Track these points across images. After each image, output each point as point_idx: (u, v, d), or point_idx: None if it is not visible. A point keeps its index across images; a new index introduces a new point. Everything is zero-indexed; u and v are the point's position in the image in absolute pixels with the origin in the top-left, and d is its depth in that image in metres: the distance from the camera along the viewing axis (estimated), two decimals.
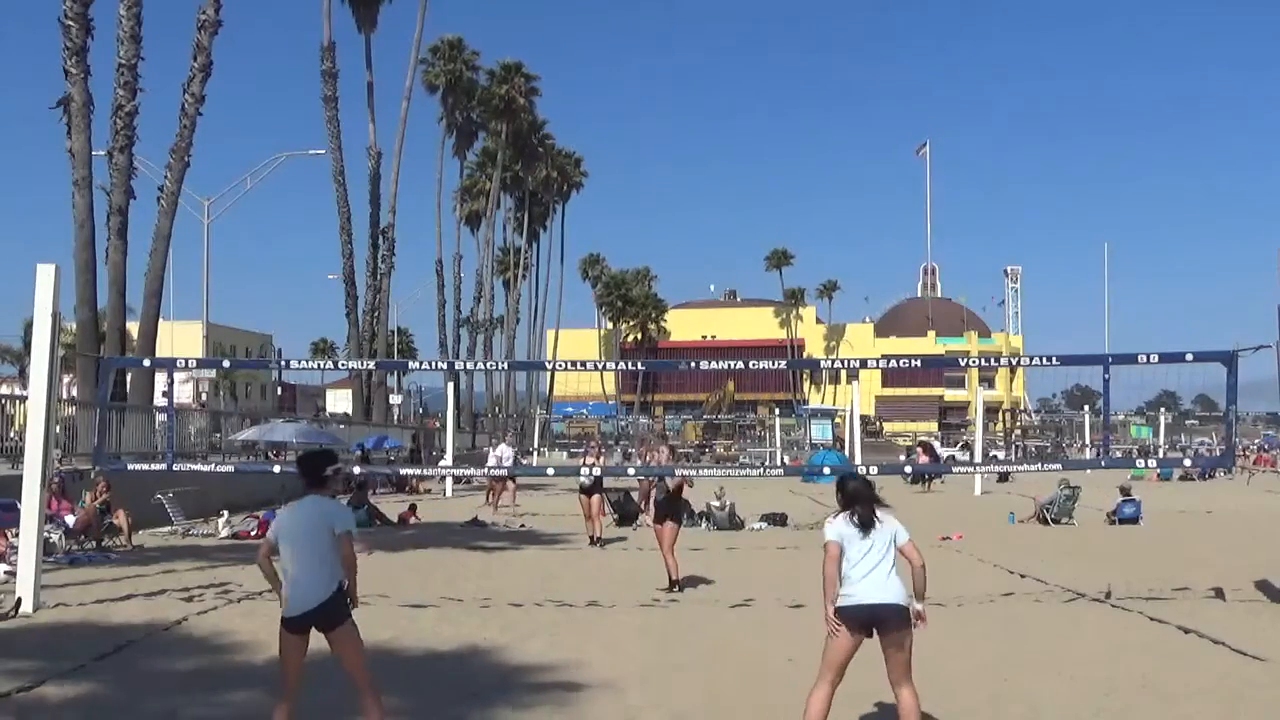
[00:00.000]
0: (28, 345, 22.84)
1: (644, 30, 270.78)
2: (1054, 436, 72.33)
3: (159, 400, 27.79)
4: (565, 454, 61.89)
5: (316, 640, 6.10)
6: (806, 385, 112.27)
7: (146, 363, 24.22)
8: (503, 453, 27.79)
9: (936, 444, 56.12)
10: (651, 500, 13.70)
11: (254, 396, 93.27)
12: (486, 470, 27.32)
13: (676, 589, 13.09)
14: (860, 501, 6.33)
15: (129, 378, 26.82)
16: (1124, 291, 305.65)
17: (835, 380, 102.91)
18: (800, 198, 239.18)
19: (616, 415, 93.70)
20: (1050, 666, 8.98)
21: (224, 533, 20.04)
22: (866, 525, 6.25)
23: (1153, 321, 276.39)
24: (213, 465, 20.56)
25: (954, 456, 53.36)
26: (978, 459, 36.53)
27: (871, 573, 6.16)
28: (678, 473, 13.69)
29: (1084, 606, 12.17)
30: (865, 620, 6.16)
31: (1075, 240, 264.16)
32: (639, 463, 23.40)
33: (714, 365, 16.10)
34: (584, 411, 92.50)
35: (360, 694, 6.09)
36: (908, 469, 26.55)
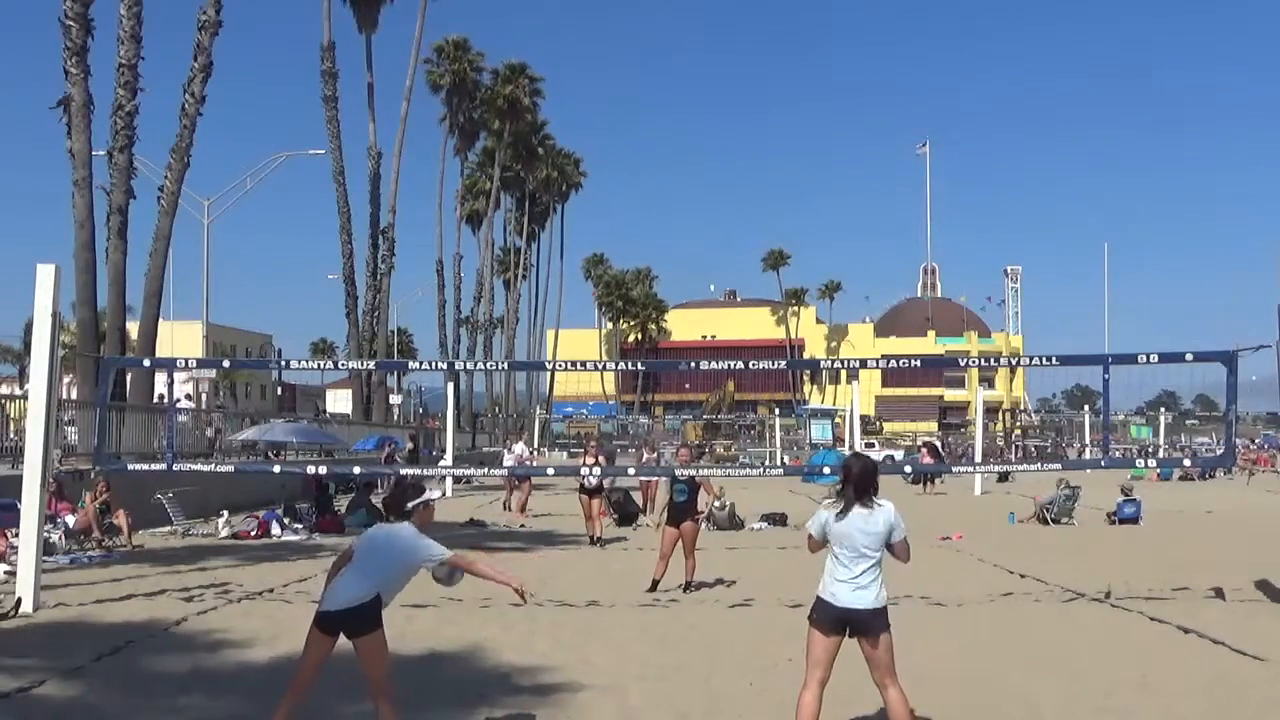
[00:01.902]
0: (28, 345, 22.83)
1: (644, 30, 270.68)
2: (1054, 437, 72.26)
3: (168, 401, 27.78)
4: (565, 454, 61.87)
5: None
6: (807, 386, 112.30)
7: (146, 363, 24.21)
8: (519, 451, 27.77)
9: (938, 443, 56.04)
10: (670, 502, 13.48)
11: (254, 396, 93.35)
12: (486, 471, 27.27)
13: (689, 589, 13.09)
14: (852, 479, 6.22)
15: (129, 378, 26.83)
16: (1124, 291, 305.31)
17: (835, 380, 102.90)
18: (800, 197, 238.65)
19: (616, 415, 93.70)
20: (1050, 666, 8.98)
21: (224, 533, 20.04)
22: (850, 509, 6.13)
23: (1153, 321, 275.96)
24: (213, 465, 20.55)
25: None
26: (978, 459, 36.55)
27: (855, 577, 6.11)
28: (680, 473, 13.61)
29: (1084, 606, 12.17)
30: (837, 620, 6.14)
31: (1075, 240, 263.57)
32: (644, 462, 23.52)
33: (714, 365, 16.08)
34: (584, 411, 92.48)
35: (376, 707, 6.07)
36: (907, 469, 26.55)
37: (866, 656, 6.21)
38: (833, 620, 6.14)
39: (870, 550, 6.14)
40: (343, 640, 6.06)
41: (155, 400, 28.46)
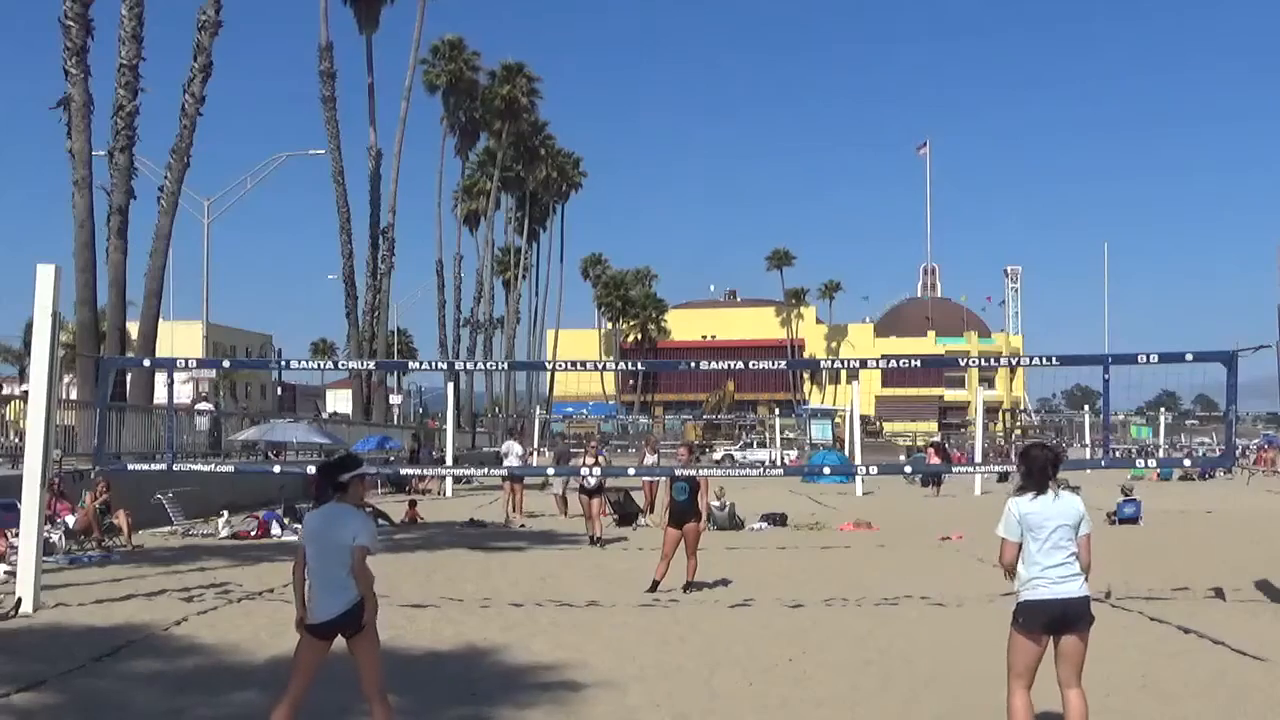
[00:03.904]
0: (28, 345, 22.82)
1: (643, 30, 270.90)
2: (1054, 437, 72.30)
3: (160, 399, 27.85)
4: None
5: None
6: (807, 386, 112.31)
7: (146, 363, 24.21)
8: (509, 449, 27.60)
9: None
10: (671, 502, 13.41)
11: (254, 396, 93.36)
12: (486, 471, 27.15)
13: (689, 590, 13.09)
14: (1036, 467, 6.11)
15: (129, 378, 26.82)
16: (1124, 291, 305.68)
17: (835, 380, 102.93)
18: (801, 198, 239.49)
19: (616, 415, 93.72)
20: (1051, 666, 8.95)
21: (224, 533, 20.03)
22: (1040, 496, 6.02)
23: (1153, 321, 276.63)
24: (213, 465, 20.55)
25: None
26: (978, 459, 36.53)
27: (1055, 567, 5.96)
28: (680, 471, 13.59)
29: None
30: (1056, 617, 5.96)
31: (1075, 240, 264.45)
32: (646, 461, 23.49)
33: (714, 365, 16.07)
34: (584, 411, 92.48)
35: (370, 703, 6.04)
36: (908, 469, 26.53)
37: (1059, 652, 6.07)
38: (1048, 621, 5.96)
39: (1065, 540, 6.01)
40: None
41: (157, 401, 28.48)
